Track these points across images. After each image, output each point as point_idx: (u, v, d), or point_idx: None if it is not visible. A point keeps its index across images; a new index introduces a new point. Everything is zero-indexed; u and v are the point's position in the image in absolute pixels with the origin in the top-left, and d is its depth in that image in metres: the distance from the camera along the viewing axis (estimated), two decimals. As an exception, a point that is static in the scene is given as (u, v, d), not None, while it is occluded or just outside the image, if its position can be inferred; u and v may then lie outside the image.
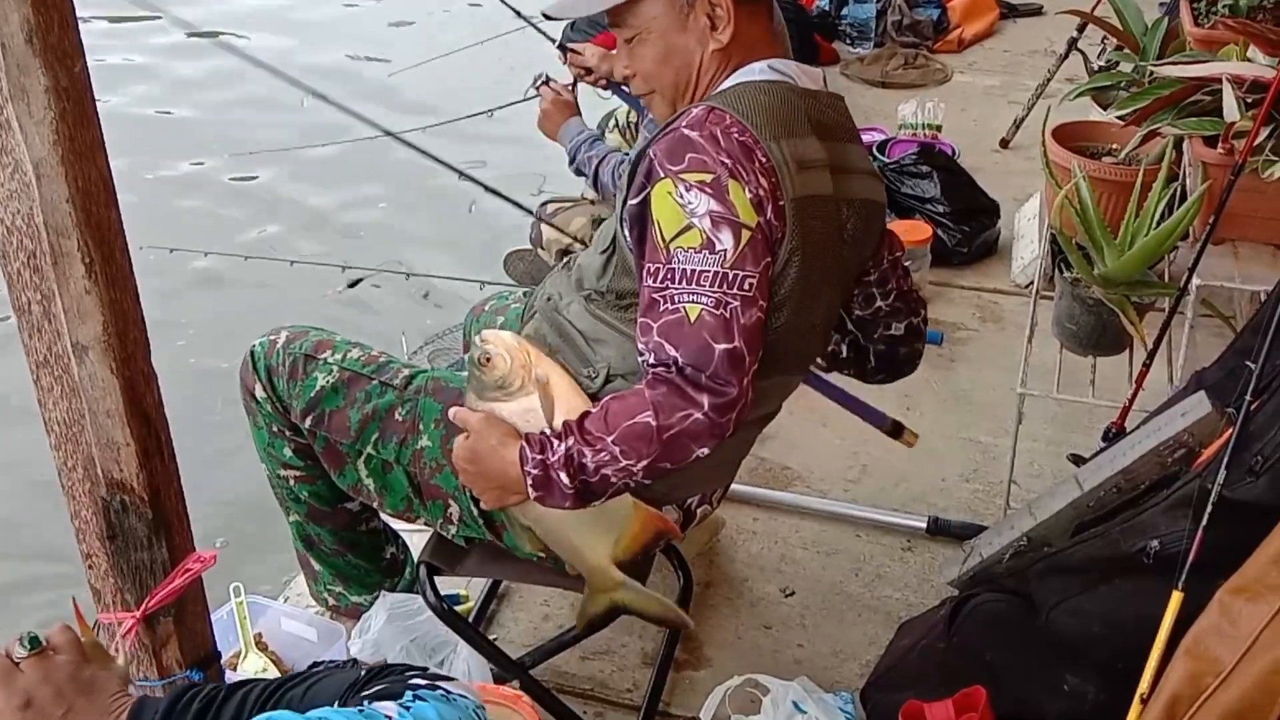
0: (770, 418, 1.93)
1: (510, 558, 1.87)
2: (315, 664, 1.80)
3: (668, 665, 2.14)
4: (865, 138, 4.09)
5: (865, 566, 2.41)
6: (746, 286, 1.55)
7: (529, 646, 2.16)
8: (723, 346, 1.53)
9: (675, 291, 1.55)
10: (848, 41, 5.16)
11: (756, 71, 1.69)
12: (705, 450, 1.57)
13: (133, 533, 1.72)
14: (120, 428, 1.64)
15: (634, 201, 1.63)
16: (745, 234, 1.55)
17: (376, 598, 2.05)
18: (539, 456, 1.60)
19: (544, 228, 3.04)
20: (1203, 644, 1.46)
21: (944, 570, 2.06)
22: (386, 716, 1.04)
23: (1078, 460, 2.21)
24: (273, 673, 2.00)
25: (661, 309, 1.56)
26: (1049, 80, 4.19)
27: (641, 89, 1.78)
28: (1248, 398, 1.52)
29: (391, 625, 1.99)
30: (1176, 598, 1.48)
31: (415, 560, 2.12)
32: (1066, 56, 4.11)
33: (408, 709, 1.04)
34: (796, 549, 2.46)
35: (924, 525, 2.47)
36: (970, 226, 3.44)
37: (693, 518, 1.92)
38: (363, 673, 1.17)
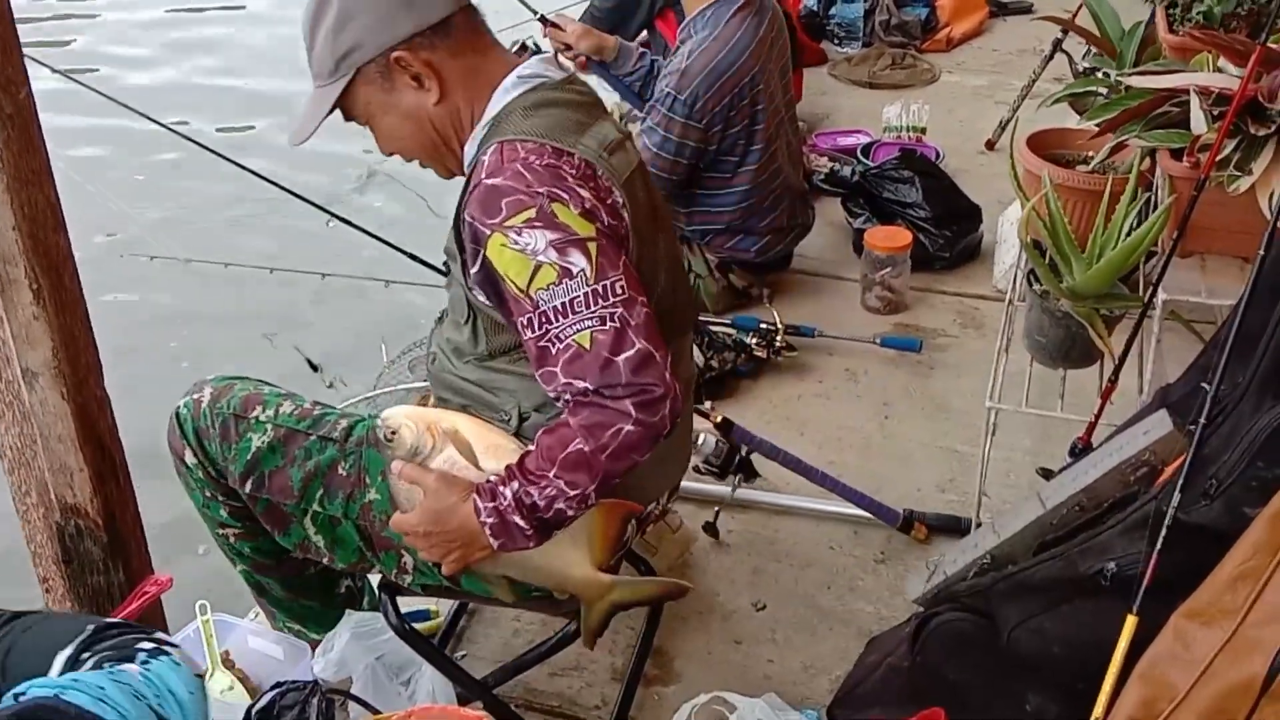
0: (692, 381, 1.94)
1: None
2: (279, 683, 1.81)
3: (636, 681, 2.13)
4: (850, 140, 4.12)
5: (838, 579, 2.40)
6: (619, 290, 1.55)
7: (500, 662, 2.15)
8: (625, 355, 1.53)
9: (557, 329, 1.54)
10: (835, 41, 5.14)
11: (510, 88, 1.68)
12: (648, 453, 1.57)
13: (88, 556, 1.72)
14: (73, 453, 1.65)
15: (476, 270, 1.62)
16: (592, 245, 1.54)
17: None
18: (491, 504, 1.59)
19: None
20: (1157, 668, 1.44)
21: (909, 587, 2.05)
22: (132, 675, 1.11)
23: (1047, 474, 2.20)
24: (240, 690, 1.99)
25: (554, 351, 1.55)
26: (1034, 82, 4.17)
27: (409, 159, 1.79)
28: (1202, 420, 1.50)
29: (356, 644, 1.98)
30: (1131, 621, 1.47)
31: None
32: (1051, 58, 4.10)
33: (148, 667, 1.11)
34: (769, 561, 2.44)
35: (901, 514, 2.47)
36: (952, 231, 3.42)
37: (650, 517, 1.93)
38: (89, 628, 1.20)
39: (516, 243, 1.53)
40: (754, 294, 3.21)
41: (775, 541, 2.50)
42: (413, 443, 1.65)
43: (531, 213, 1.53)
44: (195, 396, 1.89)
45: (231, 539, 1.96)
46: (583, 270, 1.52)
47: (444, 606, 2.29)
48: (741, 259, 3.15)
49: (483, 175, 1.58)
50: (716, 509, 2.46)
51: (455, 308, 1.77)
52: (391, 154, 1.77)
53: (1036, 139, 2.63)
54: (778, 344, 2.95)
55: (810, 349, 3.05)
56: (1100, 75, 2.70)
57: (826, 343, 3.06)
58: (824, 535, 2.51)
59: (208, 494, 1.90)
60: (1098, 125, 2.29)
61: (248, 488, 1.85)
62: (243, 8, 7.43)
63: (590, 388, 1.53)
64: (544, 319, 1.54)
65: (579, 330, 1.53)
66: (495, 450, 1.68)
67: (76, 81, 2.89)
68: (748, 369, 2.96)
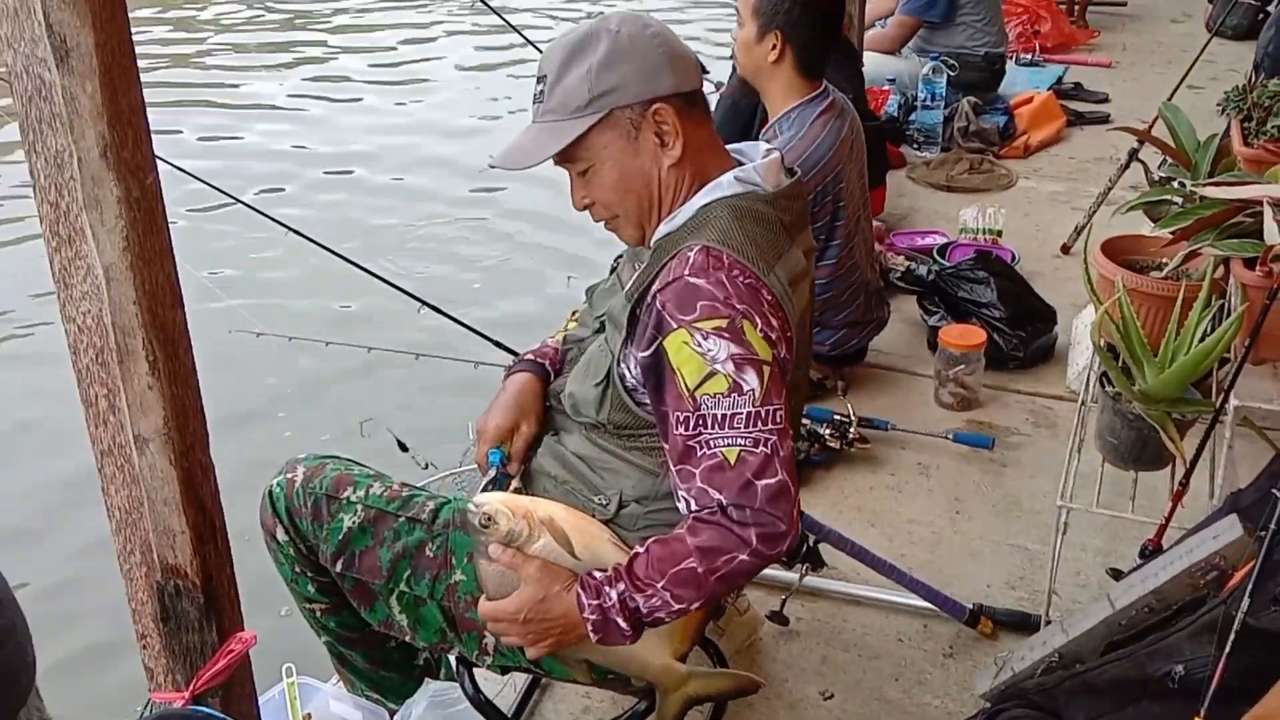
0: None
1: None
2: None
3: None
4: (926, 240, 4.13)
5: (906, 672, 2.37)
6: (778, 419, 1.56)
7: (569, 738, 2.15)
8: (765, 482, 1.53)
9: (710, 437, 1.55)
10: (914, 146, 5.17)
11: (725, 186, 1.68)
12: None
13: (185, 616, 1.76)
14: (177, 516, 1.69)
15: (645, 354, 1.62)
16: (767, 369, 1.56)
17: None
18: (594, 602, 1.59)
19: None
20: (1225, 773, 1.41)
21: (977, 682, 2.01)
22: None
23: (1116, 575, 2.16)
24: (321, 754, 2.01)
25: (699, 455, 1.55)
26: (1110, 189, 4.17)
27: (603, 215, 1.77)
28: (1272, 526, 1.48)
29: (432, 712, 1.99)
30: (1199, 725, 1.44)
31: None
32: (1127, 166, 4.09)
33: None
34: (838, 651, 2.42)
35: (969, 609, 2.43)
36: (1026, 332, 3.40)
37: (721, 609, 1.93)
38: None
39: (700, 345, 1.55)
40: (829, 386, 3.22)
41: (843, 631, 2.47)
42: (509, 529, 1.63)
43: (723, 322, 1.55)
44: (289, 476, 1.92)
45: (318, 613, 1.99)
46: (752, 390, 1.54)
47: (516, 679, 2.29)
48: (817, 352, 3.16)
49: (684, 271, 1.59)
50: (784, 596, 2.45)
51: (593, 368, 1.78)
52: (588, 206, 1.75)
53: (1111, 245, 2.62)
54: (851, 436, 2.95)
55: (883, 442, 3.04)
56: (1175, 185, 2.70)
57: (899, 436, 3.05)
58: (892, 627, 2.48)
59: (297, 569, 1.94)
60: (1172, 233, 2.28)
61: (338, 566, 1.88)
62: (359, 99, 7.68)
63: (724, 502, 1.53)
64: (701, 422, 1.55)
65: (730, 445, 1.54)
66: (591, 542, 1.68)
67: (187, 173, 3.00)
68: (821, 459, 2.95)
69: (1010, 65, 5.82)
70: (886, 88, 5.23)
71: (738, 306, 1.56)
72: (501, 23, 4.06)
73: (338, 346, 3.53)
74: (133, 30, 1.50)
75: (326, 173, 6.50)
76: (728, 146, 1.79)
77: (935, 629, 2.47)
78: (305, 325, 3.87)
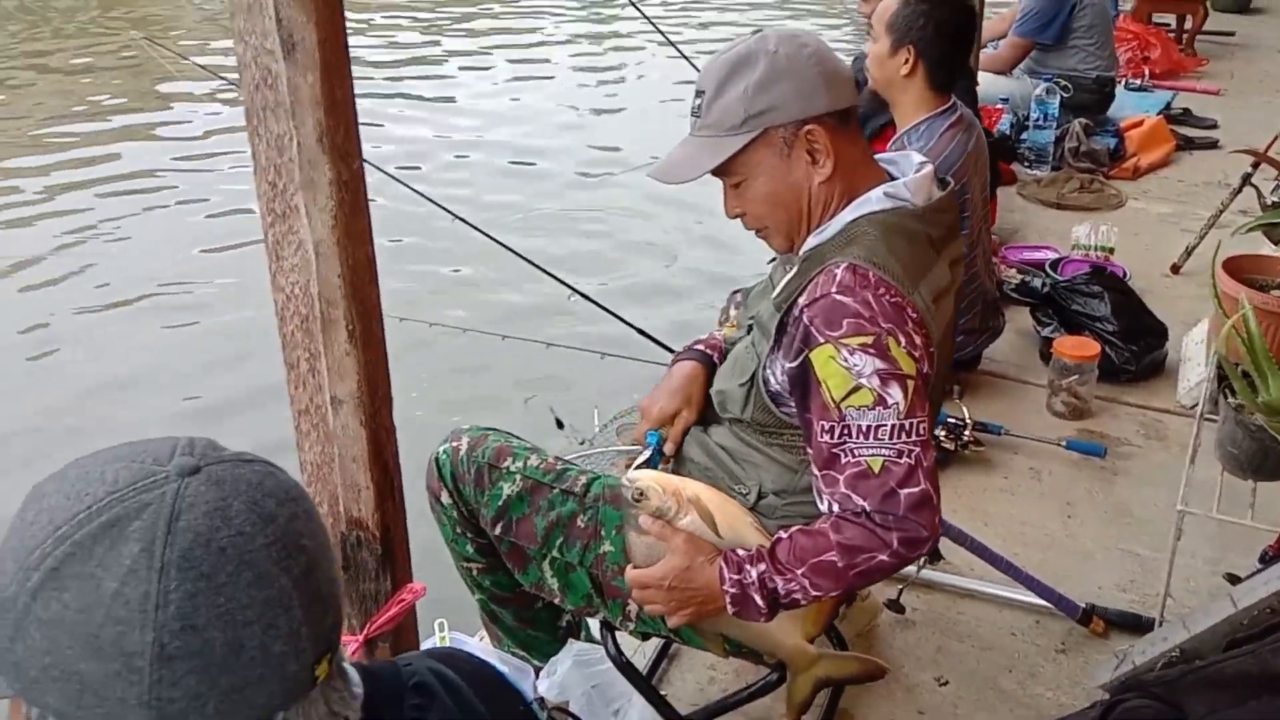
0: None
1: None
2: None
3: None
4: (1038, 255, 4.11)
5: (1019, 664, 2.38)
6: (921, 431, 1.58)
7: (694, 706, 2.20)
8: (908, 490, 1.55)
9: (854, 445, 1.57)
10: (1025, 164, 5.15)
11: (874, 201, 1.68)
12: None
13: (364, 565, 1.85)
14: (363, 472, 1.78)
15: (792, 365, 1.64)
16: (910, 383, 1.56)
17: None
18: (735, 577, 1.63)
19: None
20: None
21: (1095, 674, 2.03)
22: None
23: (1233, 579, 2.16)
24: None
25: (843, 462, 1.58)
26: (1222, 211, 4.12)
27: (754, 225, 1.78)
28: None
29: (576, 671, 2.06)
30: (1327, 718, 1.45)
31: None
32: (1240, 190, 4.04)
33: None
34: (953, 641, 2.44)
35: (1081, 607, 2.44)
36: (1138, 346, 3.38)
37: (853, 595, 1.96)
38: None
39: (846, 361, 1.56)
40: (945, 390, 3.23)
41: (958, 622, 2.50)
42: (658, 505, 1.68)
43: (869, 339, 1.55)
44: (454, 444, 2.00)
45: (475, 572, 2.07)
46: (897, 404, 1.55)
47: (647, 648, 2.36)
48: (934, 357, 3.18)
49: (832, 289, 1.59)
50: (901, 587, 2.48)
51: (739, 368, 1.80)
52: (739, 216, 1.76)
53: (1231, 263, 2.62)
54: (966, 438, 2.97)
55: (996, 446, 3.05)
56: (1297, 206, 2.67)
57: (1012, 441, 3.06)
58: (1006, 621, 2.50)
59: (458, 530, 2.02)
60: (1297, 252, 2.27)
61: (496, 530, 1.95)
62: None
63: (867, 509, 1.56)
64: (846, 431, 1.57)
65: (874, 455, 1.56)
66: (734, 522, 1.72)
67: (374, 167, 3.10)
68: (936, 459, 2.96)
69: (1120, 89, 5.76)
70: (1000, 107, 5.21)
71: (883, 324, 1.56)
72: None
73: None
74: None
75: (510, 161, 6.75)
76: (880, 157, 1.80)
77: (1048, 625, 2.48)
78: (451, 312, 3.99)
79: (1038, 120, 5.12)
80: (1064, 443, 3.03)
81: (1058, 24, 5.26)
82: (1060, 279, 3.68)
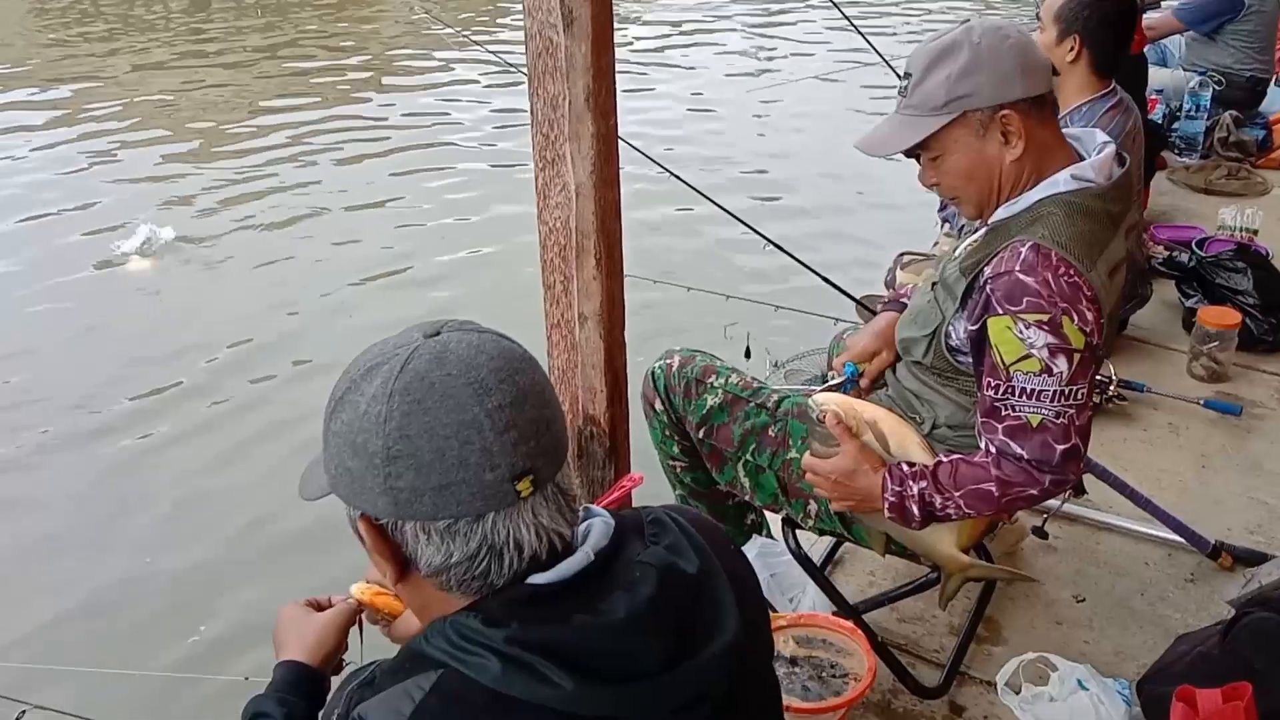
0: None
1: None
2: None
3: (970, 637, 2.27)
4: (1185, 234, 4.09)
5: (1150, 589, 2.47)
6: (1080, 397, 1.66)
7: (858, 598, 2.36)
8: (1062, 446, 1.66)
9: (1016, 403, 1.66)
10: (1176, 151, 5.08)
11: (1061, 183, 1.71)
12: None
13: (594, 455, 2.08)
14: (599, 377, 2.01)
15: (973, 328, 1.72)
16: (1077, 356, 1.63)
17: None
18: (897, 488, 1.77)
19: (899, 272, 3.26)
20: None
21: (1225, 590, 2.12)
22: None
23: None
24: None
25: (1004, 414, 1.68)
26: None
27: (947, 195, 1.85)
28: None
29: (759, 561, 2.25)
30: None
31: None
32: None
33: None
34: (1090, 566, 2.54)
35: (1211, 543, 2.50)
36: (1277, 319, 3.38)
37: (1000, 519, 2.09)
38: None
39: (1021, 333, 1.62)
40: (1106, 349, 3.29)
41: (1095, 551, 2.59)
42: (841, 422, 1.83)
43: (1044, 317, 1.61)
44: (667, 362, 2.20)
45: (678, 469, 2.27)
46: (1061, 373, 1.62)
47: (815, 552, 2.52)
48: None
49: (1015, 266, 1.64)
50: (1045, 516, 2.58)
51: (922, 319, 1.88)
52: (934, 186, 1.83)
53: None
54: (1110, 393, 3.04)
55: (1138, 402, 3.11)
56: None
57: (1153, 398, 3.11)
58: (1140, 552, 2.58)
59: (666, 434, 2.22)
60: None
61: (699, 434, 2.14)
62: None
63: (1024, 457, 1.68)
64: (1010, 390, 1.65)
65: (1034, 412, 1.65)
66: (904, 443, 1.85)
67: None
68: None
69: (1271, 87, 5.59)
70: (1154, 97, 5.14)
71: (1060, 304, 1.61)
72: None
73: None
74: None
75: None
76: (1066, 133, 1.83)
77: (1179, 558, 2.55)
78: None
79: (1190, 111, 5.04)
80: (1202, 402, 3.07)
81: (1216, 21, 5.13)
82: (1206, 255, 3.68)
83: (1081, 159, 1.77)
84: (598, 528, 1.04)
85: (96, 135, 7.57)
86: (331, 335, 4.83)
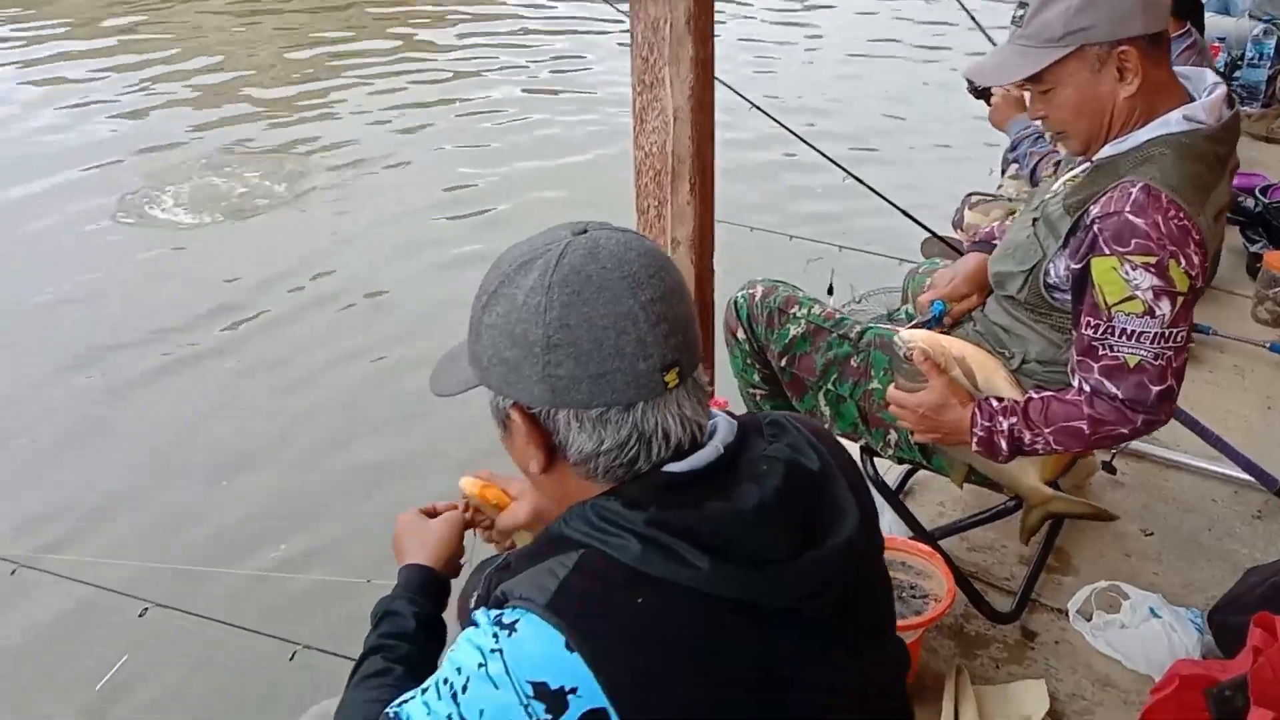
0: None
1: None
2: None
3: (1041, 567, 2.28)
4: (1249, 181, 4.02)
5: (1218, 525, 2.46)
6: (1179, 340, 1.65)
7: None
8: (1157, 387, 1.65)
9: (1115, 343, 1.64)
10: (1238, 100, 4.96)
11: (1173, 123, 1.67)
12: None
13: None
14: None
15: (1076, 266, 1.70)
16: (1180, 299, 1.61)
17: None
18: (986, 424, 1.77)
19: (968, 212, 3.23)
20: None
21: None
22: None
23: None
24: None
25: (1100, 354, 1.66)
26: None
27: (1054, 129, 1.79)
28: None
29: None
30: None
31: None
32: None
33: None
34: (1158, 501, 2.54)
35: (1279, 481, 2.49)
36: (1343, 265, 3.32)
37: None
38: None
39: (1127, 274, 1.60)
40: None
41: (1163, 487, 2.59)
42: (928, 358, 1.82)
43: (1152, 259, 1.59)
44: (750, 291, 2.18)
45: (758, 397, 2.28)
46: (1163, 315, 1.61)
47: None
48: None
49: (1125, 207, 1.61)
50: (1113, 451, 2.58)
51: (1019, 254, 1.85)
52: (1041, 119, 1.78)
53: None
54: (1176, 334, 3.00)
55: (1203, 344, 3.09)
56: None
57: (1219, 341, 3.09)
58: (1207, 489, 2.58)
59: (748, 362, 2.23)
60: None
61: (781, 363, 2.14)
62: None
63: (1120, 396, 1.66)
64: (1110, 331, 1.64)
65: (1132, 353, 1.64)
66: (991, 378, 1.85)
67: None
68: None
69: (1335, 34, 5.46)
70: (1216, 44, 5.03)
71: (1169, 247, 1.58)
72: None
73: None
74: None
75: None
76: (1177, 70, 1.78)
77: (1246, 495, 2.55)
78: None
79: (1252, 59, 4.93)
80: (1267, 345, 3.04)
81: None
82: (1269, 201, 3.62)
83: (1191, 99, 1.72)
84: (723, 425, 1.07)
85: (174, 75, 7.60)
86: (419, 271, 4.86)
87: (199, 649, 2.70)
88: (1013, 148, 2.94)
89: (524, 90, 7.33)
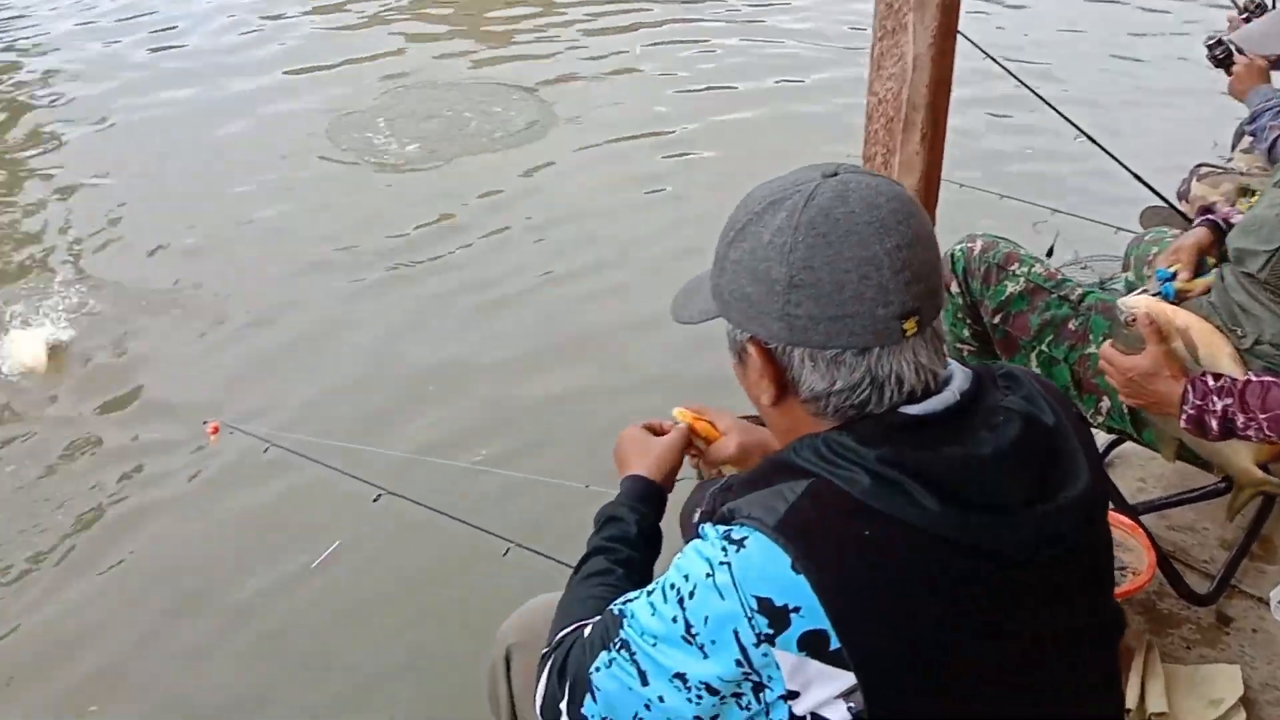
0: None
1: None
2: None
3: (1245, 552, 2.18)
4: None
5: None
6: None
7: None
8: None
9: None
10: None
11: None
12: None
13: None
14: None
15: None
16: None
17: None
18: (1199, 402, 1.68)
19: (1195, 184, 3.05)
20: None
21: None
22: None
23: None
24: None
25: None
26: None
27: None
28: None
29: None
30: None
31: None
32: None
33: None
34: (1378, 499, 2.38)
35: None
36: None
37: None
38: None
39: None
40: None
41: (1386, 485, 2.42)
42: (1151, 325, 1.75)
43: None
44: (969, 245, 2.15)
45: (965, 354, 2.23)
46: None
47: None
48: None
49: None
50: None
51: (1266, 231, 1.80)
52: None
53: None
54: None
55: None
56: None
57: None
58: None
59: (959, 316, 2.19)
60: None
61: (995, 320, 2.10)
62: None
63: None
64: None
65: None
66: (1215, 353, 1.77)
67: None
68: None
69: None
70: None
71: None
72: None
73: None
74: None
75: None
76: None
77: None
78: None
79: None
80: None
81: None
82: None
83: None
84: (959, 373, 1.07)
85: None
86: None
87: (415, 538, 2.82)
88: (1251, 120, 2.75)
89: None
